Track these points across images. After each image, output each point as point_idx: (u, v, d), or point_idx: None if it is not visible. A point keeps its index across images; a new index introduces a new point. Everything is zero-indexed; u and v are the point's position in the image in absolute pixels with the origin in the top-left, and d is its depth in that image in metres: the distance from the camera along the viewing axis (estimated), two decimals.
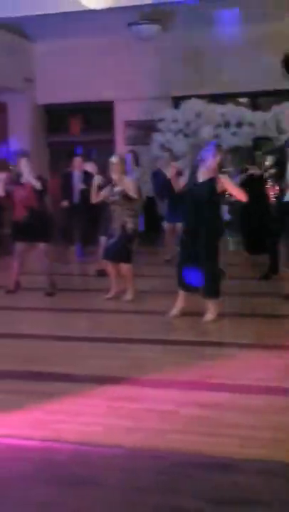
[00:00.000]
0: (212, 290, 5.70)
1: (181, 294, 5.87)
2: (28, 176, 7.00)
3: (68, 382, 4.28)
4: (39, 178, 7.22)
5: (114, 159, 6.73)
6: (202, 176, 5.70)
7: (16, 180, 7.11)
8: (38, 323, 6.11)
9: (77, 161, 9.75)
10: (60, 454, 3.24)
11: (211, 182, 5.64)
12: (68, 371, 4.48)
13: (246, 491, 2.83)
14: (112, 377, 4.33)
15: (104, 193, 6.70)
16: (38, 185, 6.99)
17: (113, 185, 6.65)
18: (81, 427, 3.54)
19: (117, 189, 6.60)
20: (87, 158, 10.66)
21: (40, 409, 3.77)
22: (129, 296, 6.69)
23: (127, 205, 6.70)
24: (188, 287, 5.82)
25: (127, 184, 6.65)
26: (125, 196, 6.61)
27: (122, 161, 6.80)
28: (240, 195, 5.84)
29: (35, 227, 7.03)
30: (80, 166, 9.67)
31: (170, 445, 3.29)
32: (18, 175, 7.15)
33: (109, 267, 6.80)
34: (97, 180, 7.00)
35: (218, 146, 5.92)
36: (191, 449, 3.24)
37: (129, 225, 6.68)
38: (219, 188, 5.69)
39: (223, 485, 2.89)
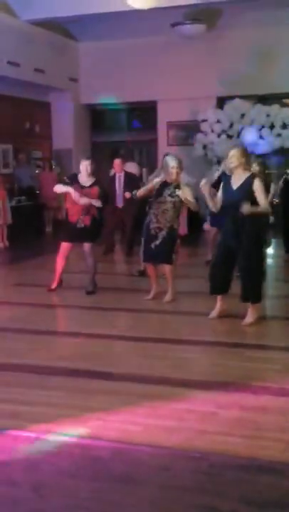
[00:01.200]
0: (252, 294, 5.63)
1: (219, 297, 5.84)
2: (87, 179, 6.97)
3: (109, 380, 4.32)
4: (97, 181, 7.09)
5: (172, 162, 6.55)
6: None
7: (71, 182, 6.99)
8: (76, 320, 6.17)
9: (117, 162, 9.56)
10: (101, 451, 3.28)
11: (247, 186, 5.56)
12: (109, 370, 4.53)
13: (284, 493, 2.82)
14: (153, 377, 4.35)
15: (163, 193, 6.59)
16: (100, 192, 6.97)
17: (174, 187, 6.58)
18: (122, 425, 3.57)
19: (178, 192, 6.53)
20: (129, 158, 10.66)
21: (77, 407, 3.82)
22: (169, 297, 6.69)
23: (180, 209, 6.69)
24: (219, 289, 5.79)
25: (186, 190, 6.57)
26: (182, 201, 6.56)
27: (180, 162, 6.63)
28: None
29: (89, 230, 7.04)
30: (120, 167, 9.54)
31: (210, 446, 3.29)
32: (72, 177, 7.12)
33: (150, 268, 6.81)
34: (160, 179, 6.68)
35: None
36: (231, 451, 3.24)
37: (176, 227, 6.66)
38: None
39: (261, 487, 2.89)
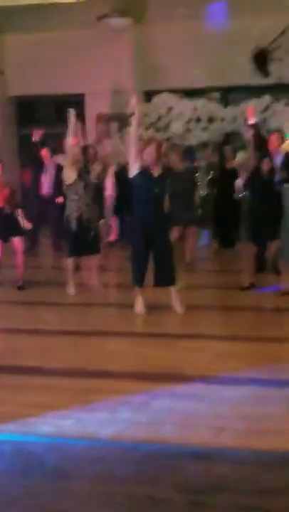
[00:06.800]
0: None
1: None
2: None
3: (41, 375, 4.28)
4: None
5: None
6: None
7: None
8: (6, 316, 6.08)
9: (44, 153, 9.51)
10: (34, 446, 3.25)
11: None
12: (40, 365, 4.48)
13: (215, 479, 2.88)
14: (85, 371, 4.35)
15: None
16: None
17: None
18: (54, 420, 3.54)
19: None
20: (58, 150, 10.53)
21: (9, 403, 3.78)
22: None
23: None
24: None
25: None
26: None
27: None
28: None
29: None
30: (48, 158, 9.48)
31: (143, 436, 3.32)
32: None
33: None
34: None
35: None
36: (163, 439, 3.28)
37: None
38: None
39: (194, 474, 2.94)
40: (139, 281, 5.82)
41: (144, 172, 5.64)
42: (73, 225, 6.58)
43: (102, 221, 7.46)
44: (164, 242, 5.77)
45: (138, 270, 5.79)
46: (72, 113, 6.88)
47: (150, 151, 5.65)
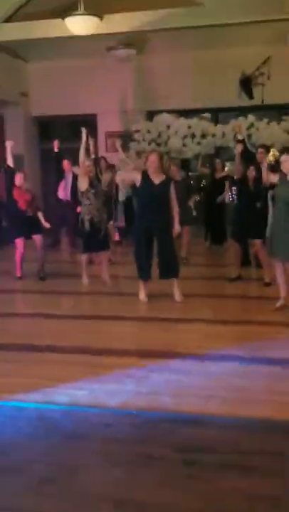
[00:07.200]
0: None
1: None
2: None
3: (59, 353, 4.31)
4: None
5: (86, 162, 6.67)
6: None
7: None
8: (31, 303, 6.10)
9: (65, 163, 9.45)
10: (53, 413, 3.29)
11: None
12: (59, 344, 4.51)
13: (205, 441, 2.92)
14: (95, 349, 4.37)
15: None
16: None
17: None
18: (70, 390, 3.57)
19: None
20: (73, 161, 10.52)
21: (33, 377, 3.81)
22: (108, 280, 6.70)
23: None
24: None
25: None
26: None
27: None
28: None
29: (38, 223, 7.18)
30: (69, 167, 9.41)
31: (144, 404, 3.35)
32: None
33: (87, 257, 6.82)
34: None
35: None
36: (161, 407, 3.31)
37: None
38: None
39: (186, 436, 2.98)
40: (142, 276, 5.86)
41: (146, 179, 5.66)
42: (86, 226, 6.60)
43: (110, 223, 7.44)
44: (166, 240, 5.73)
45: (141, 267, 5.82)
46: (84, 131, 6.89)
47: (153, 159, 5.66)
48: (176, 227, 5.72)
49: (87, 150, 6.84)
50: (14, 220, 7.16)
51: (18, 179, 7.01)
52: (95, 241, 6.61)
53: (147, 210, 5.68)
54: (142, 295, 5.86)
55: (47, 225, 7.10)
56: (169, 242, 5.76)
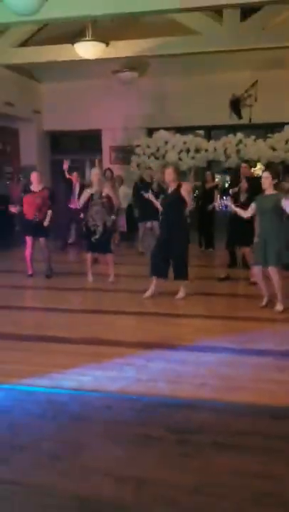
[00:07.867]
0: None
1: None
2: (38, 186, 7.05)
3: (66, 343, 4.29)
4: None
5: (94, 170, 6.69)
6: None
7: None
8: (40, 298, 6.06)
9: (74, 176, 9.45)
10: (60, 397, 3.26)
11: None
12: (66, 335, 4.49)
13: (197, 423, 2.89)
14: (99, 340, 4.35)
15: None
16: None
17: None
18: (76, 376, 3.55)
19: (103, 194, 6.62)
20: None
21: (42, 364, 3.78)
22: (112, 278, 6.68)
23: (110, 209, 6.78)
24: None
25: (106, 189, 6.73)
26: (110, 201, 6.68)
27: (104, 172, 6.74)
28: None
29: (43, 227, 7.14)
30: (76, 179, 9.43)
31: (143, 390, 3.33)
32: (26, 187, 7.25)
33: (90, 257, 6.79)
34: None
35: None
36: (158, 393, 3.29)
37: (108, 223, 6.65)
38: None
39: (181, 419, 2.95)
40: (151, 273, 5.81)
41: (163, 189, 5.77)
42: (87, 229, 6.63)
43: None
44: (177, 245, 5.70)
45: (152, 265, 5.80)
46: (65, 163, 6.96)
47: (170, 172, 5.72)
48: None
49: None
50: (25, 225, 7.24)
51: (35, 177, 7.05)
52: (96, 242, 6.60)
53: (163, 215, 5.85)
54: (148, 292, 5.82)
55: (47, 223, 6.99)
56: (180, 246, 5.74)
